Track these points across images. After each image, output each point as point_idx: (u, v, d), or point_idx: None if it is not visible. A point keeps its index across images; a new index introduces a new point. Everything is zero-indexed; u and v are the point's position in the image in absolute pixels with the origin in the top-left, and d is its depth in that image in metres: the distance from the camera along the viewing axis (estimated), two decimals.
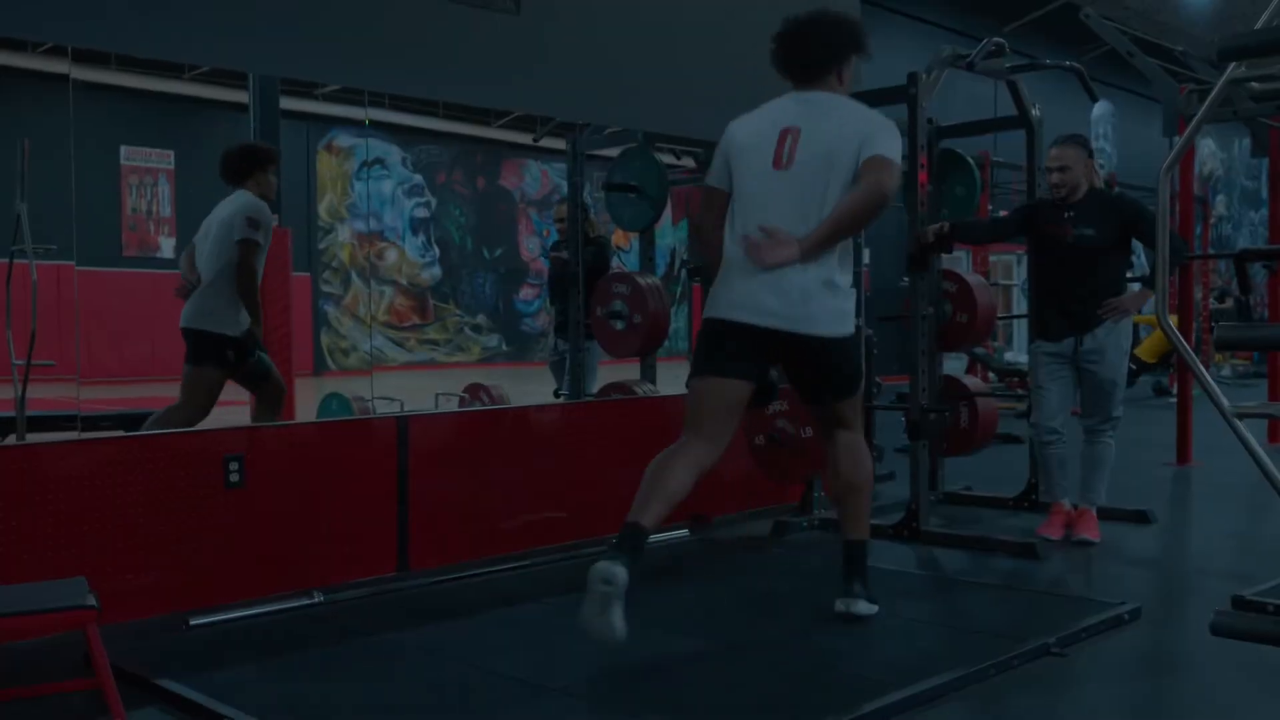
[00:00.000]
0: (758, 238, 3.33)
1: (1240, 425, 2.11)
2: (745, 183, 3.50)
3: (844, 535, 3.70)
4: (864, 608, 3.62)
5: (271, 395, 5.10)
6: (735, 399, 3.48)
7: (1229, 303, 15.68)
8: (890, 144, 3.42)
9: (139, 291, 13.19)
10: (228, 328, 4.88)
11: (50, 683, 3.00)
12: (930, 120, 5.38)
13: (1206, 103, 2.22)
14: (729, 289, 3.45)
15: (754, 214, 3.43)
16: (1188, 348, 2.40)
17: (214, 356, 4.87)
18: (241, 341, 4.90)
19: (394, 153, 17.36)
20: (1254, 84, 5.67)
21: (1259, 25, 2.13)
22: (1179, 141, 2.35)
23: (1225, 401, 2.14)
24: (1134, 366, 11.86)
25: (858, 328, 3.58)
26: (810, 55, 3.57)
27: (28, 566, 3.42)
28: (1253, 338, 3.94)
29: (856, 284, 3.59)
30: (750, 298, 3.39)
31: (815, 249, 3.32)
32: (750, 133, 3.54)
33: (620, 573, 3.11)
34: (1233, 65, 2.19)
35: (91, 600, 2.63)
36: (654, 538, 4.88)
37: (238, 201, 4.97)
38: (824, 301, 3.39)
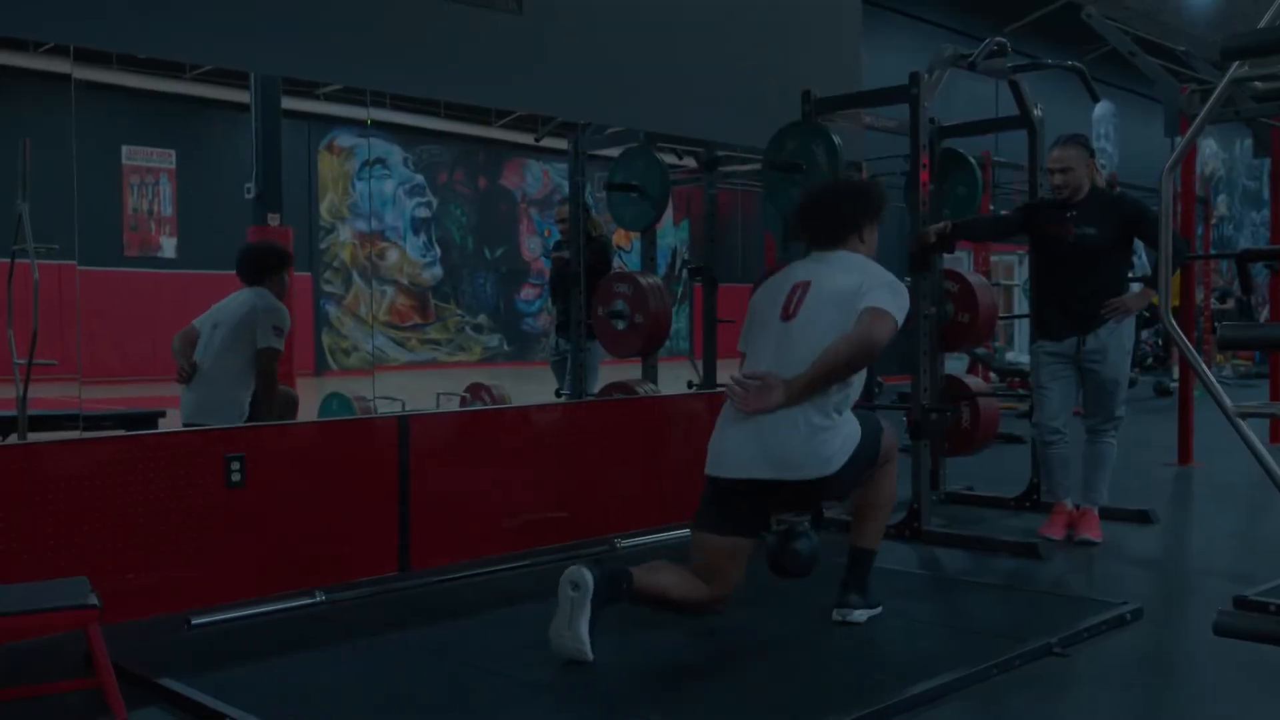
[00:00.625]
0: (745, 383, 3.38)
1: (1243, 425, 2.11)
2: (755, 336, 3.59)
3: (852, 542, 3.69)
4: (859, 616, 3.62)
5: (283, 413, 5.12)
6: (733, 551, 3.43)
7: (1230, 303, 15.67)
8: (889, 298, 3.44)
9: (140, 291, 13.20)
10: (231, 420, 4.87)
11: (52, 682, 3.00)
12: (932, 120, 5.38)
13: (1209, 103, 2.22)
14: (719, 440, 3.48)
15: (753, 363, 3.50)
16: (1190, 347, 2.39)
17: None
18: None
19: (395, 152, 17.36)
20: (1257, 84, 5.67)
21: (1261, 25, 2.13)
22: (1181, 142, 2.34)
23: (1228, 401, 2.13)
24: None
25: (864, 430, 3.49)
26: (829, 226, 3.67)
27: (29, 566, 3.42)
28: (1254, 338, 3.93)
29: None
30: (737, 448, 3.39)
31: (801, 393, 3.32)
32: (769, 292, 3.64)
33: (588, 578, 3.15)
34: (1235, 65, 2.18)
35: (93, 600, 2.63)
36: (655, 537, 4.93)
37: (259, 303, 4.97)
38: (810, 446, 3.34)
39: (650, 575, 3.34)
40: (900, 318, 3.45)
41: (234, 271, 5.14)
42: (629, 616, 3.54)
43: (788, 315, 3.50)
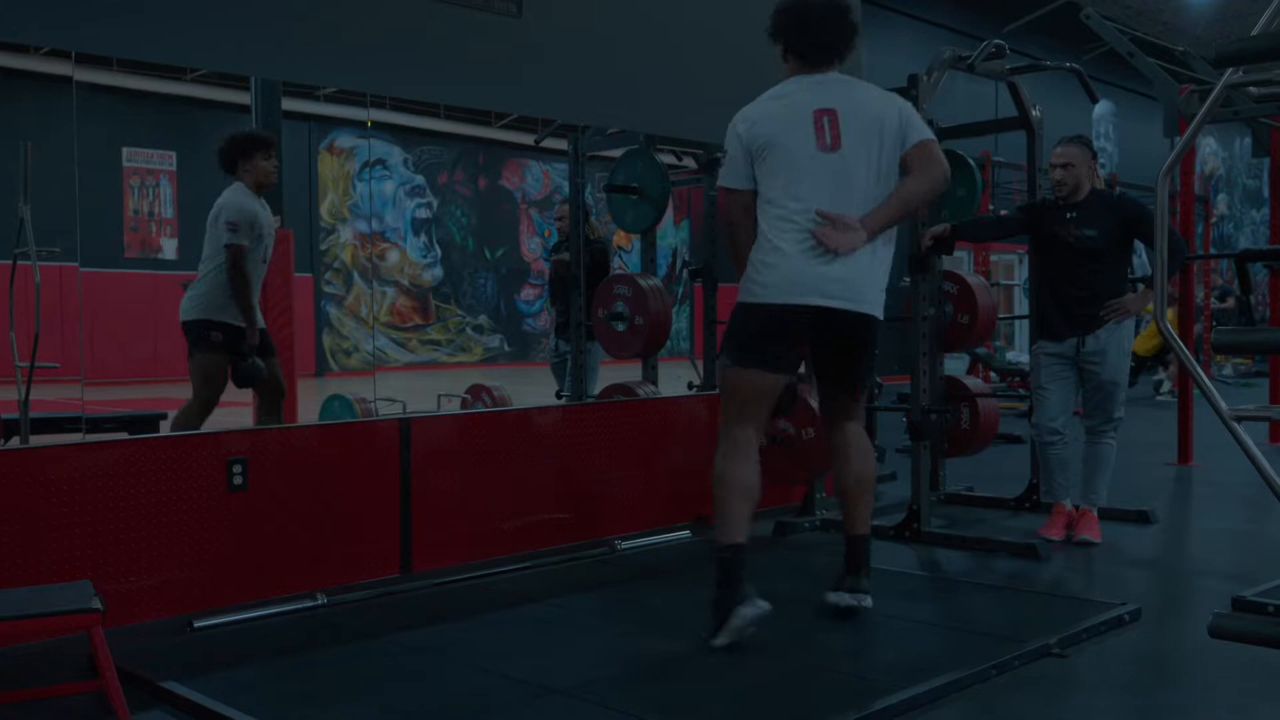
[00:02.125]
0: (825, 226, 3.35)
1: (1239, 429, 2.11)
2: (789, 168, 3.42)
3: (855, 530, 3.71)
4: (869, 601, 3.67)
5: (267, 398, 5.12)
6: (775, 390, 3.52)
7: (1230, 302, 15.66)
8: (924, 125, 3.54)
9: (141, 292, 13.21)
10: (213, 314, 4.94)
11: (55, 685, 3.02)
12: (931, 122, 5.38)
13: (1203, 109, 2.22)
14: (789, 273, 3.37)
15: (809, 199, 3.39)
16: (1186, 351, 2.40)
17: (201, 342, 4.96)
18: (228, 326, 4.94)
19: (395, 153, 17.38)
20: (1252, 88, 5.68)
21: (1256, 30, 2.13)
22: (1177, 145, 2.35)
23: (1224, 405, 2.14)
24: (1131, 364, 11.81)
25: None
26: (840, 37, 3.54)
27: (32, 569, 3.43)
28: (1251, 342, 3.93)
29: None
30: (816, 279, 3.37)
31: (879, 231, 3.40)
32: (776, 122, 3.45)
33: (764, 606, 3.29)
34: (1230, 70, 2.19)
35: (97, 603, 2.64)
36: (655, 538, 4.94)
37: (222, 199, 5.01)
38: (877, 282, 3.48)
39: (744, 517, 3.38)
40: None
41: None
42: (629, 617, 3.56)
43: (829, 146, 3.40)
